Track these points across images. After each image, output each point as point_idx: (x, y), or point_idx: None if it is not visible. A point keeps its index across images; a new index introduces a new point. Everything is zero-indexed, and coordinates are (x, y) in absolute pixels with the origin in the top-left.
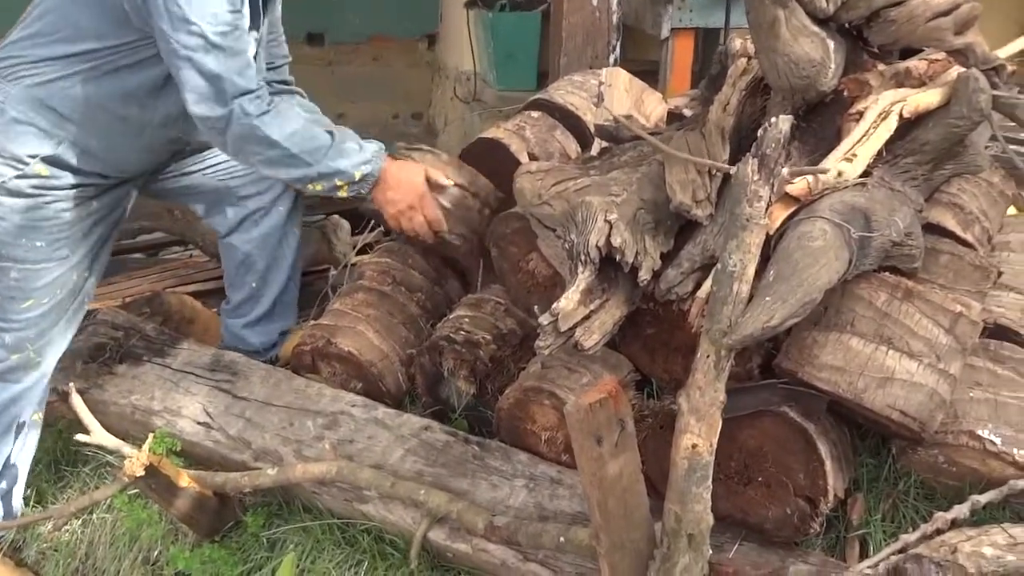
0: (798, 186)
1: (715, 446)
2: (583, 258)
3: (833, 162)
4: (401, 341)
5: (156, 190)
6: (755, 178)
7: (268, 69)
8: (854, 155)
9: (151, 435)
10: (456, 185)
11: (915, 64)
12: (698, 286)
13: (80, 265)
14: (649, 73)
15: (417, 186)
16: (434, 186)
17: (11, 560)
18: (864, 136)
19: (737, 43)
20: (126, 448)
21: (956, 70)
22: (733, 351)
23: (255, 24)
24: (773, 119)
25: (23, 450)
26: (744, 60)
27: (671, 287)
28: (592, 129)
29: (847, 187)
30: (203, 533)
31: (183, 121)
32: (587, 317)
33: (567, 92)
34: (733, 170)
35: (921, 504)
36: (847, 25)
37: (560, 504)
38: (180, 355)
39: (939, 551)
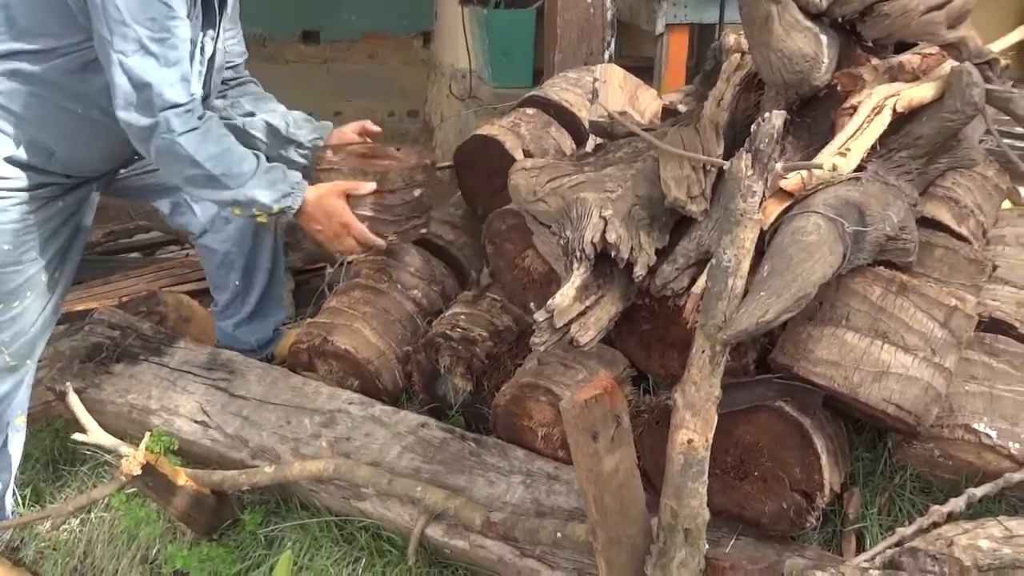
0: (792, 181)
1: (711, 441)
2: (578, 254)
3: (827, 157)
4: (397, 338)
5: (119, 189)
6: (749, 173)
7: (226, 67)
8: (848, 150)
9: (148, 434)
10: (374, 192)
11: (908, 58)
12: (693, 282)
13: (49, 267)
14: (644, 69)
15: (338, 215)
16: (355, 202)
17: (9, 560)
18: (858, 131)
19: (731, 39)
20: (123, 447)
21: (949, 64)
22: (728, 346)
23: (210, 23)
24: (767, 114)
25: (10, 454)
26: (738, 56)
27: (666, 283)
28: (587, 125)
29: (841, 182)
30: (201, 531)
31: None
32: (583, 313)
33: (562, 89)
34: (727, 165)
35: (917, 498)
36: (840, 20)
37: (557, 500)
38: (177, 354)
39: (935, 544)
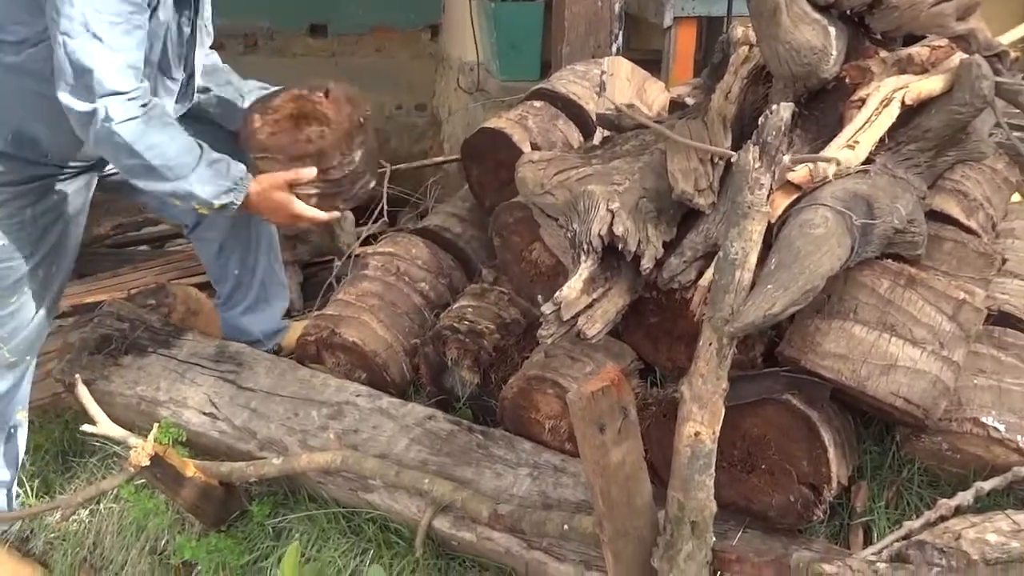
0: (800, 173)
1: (718, 434)
2: (585, 247)
3: (835, 149)
4: (405, 331)
5: (109, 184)
6: (756, 166)
7: None
8: (856, 142)
9: (157, 425)
10: (317, 176)
11: (917, 51)
12: (700, 274)
13: (45, 261)
14: (652, 62)
15: (284, 208)
16: (298, 189)
17: (18, 551)
18: (866, 123)
19: (739, 31)
20: (132, 438)
21: (959, 56)
22: (735, 339)
23: (185, 3)
24: (774, 107)
25: (15, 449)
26: (746, 48)
27: (674, 276)
28: (594, 118)
29: (849, 174)
30: (209, 522)
31: None
32: (590, 306)
33: (569, 81)
34: (735, 157)
35: (925, 491)
36: (849, 12)
37: (564, 492)
38: (185, 346)
39: (943, 538)
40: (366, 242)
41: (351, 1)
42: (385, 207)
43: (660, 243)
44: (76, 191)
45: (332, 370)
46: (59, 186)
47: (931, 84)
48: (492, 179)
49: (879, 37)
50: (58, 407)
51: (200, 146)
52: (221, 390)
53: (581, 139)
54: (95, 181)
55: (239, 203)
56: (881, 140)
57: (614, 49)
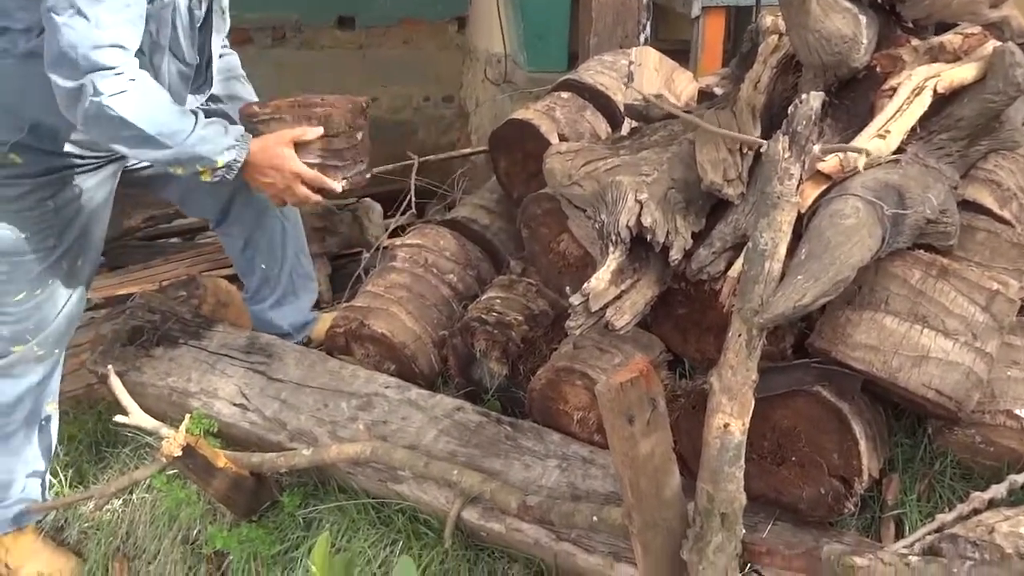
0: (830, 163)
1: (747, 426)
2: (614, 238)
3: (866, 139)
4: (433, 323)
5: (133, 181)
6: (786, 156)
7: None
8: (887, 132)
9: (188, 416)
10: (320, 138)
11: (949, 39)
12: (730, 265)
13: (69, 253)
14: (680, 52)
15: (288, 164)
16: (302, 150)
17: (53, 540)
18: (897, 112)
19: (768, 20)
20: (164, 429)
21: (991, 44)
22: (765, 330)
23: None
24: (804, 96)
25: (49, 439)
26: (775, 37)
27: (702, 267)
28: (622, 109)
29: (880, 164)
30: (240, 513)
31: None
32: (618, 297)
33: (597, 72)
34: (764, 147)
35: (958, 484)
36: (880, 0)
37: (593, 484)
38: (216, 338)
39: (976, 531)
40: (394, 234)
41: None
42: (413, 199)
43: (689, 234)
44: (99, 183)
45: (361, 361)
46: (81, 178)
47: (963, 72)
48: (520, 170)
49: (910, 25)
50: (91, 398)
51: (194, 111)
52: (251, 381)
53: (609, 130)
54: (119, 173)
55: (242, 160)
56: (912, 129)
57: (642, 39)
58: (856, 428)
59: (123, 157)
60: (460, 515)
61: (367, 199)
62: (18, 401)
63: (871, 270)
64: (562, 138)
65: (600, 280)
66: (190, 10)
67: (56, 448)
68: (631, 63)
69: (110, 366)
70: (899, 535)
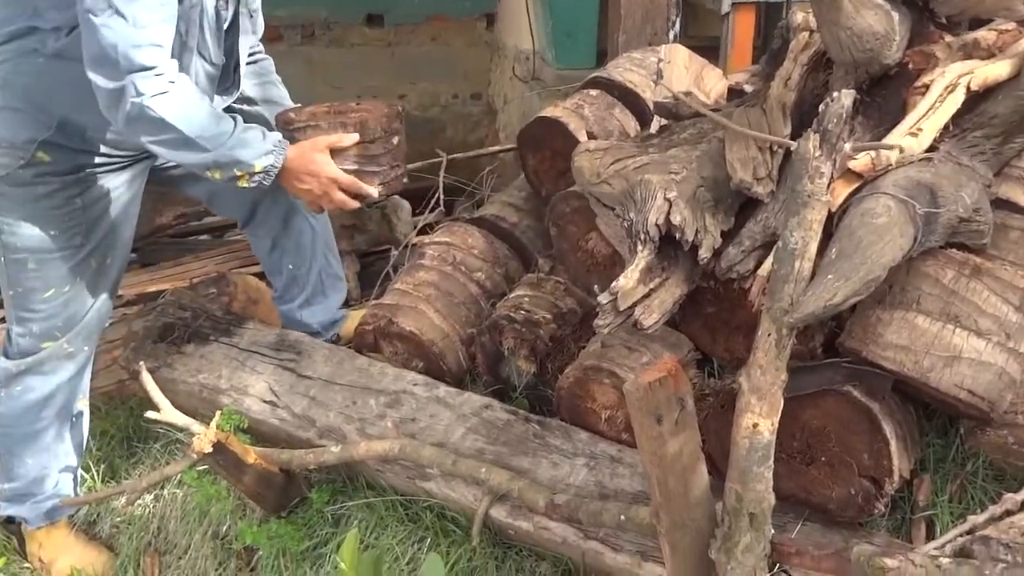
0: (861, 162)
1: (776, 425)
2: (642, 237)
3: (898, 137)
4: (462, 320)
5: (161, 179)
6: (817, 154)
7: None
8: (919, 129)
9: (219, 413)
10: (356, 144)
11: (983, 35)
12: (759, 264)
13: (97, 251)
14: (709, 49)
15: (324, 170)
16: (338, 156)
17: (85, 534)
18: (930, 110)
19: (799, 17)
20: (195, 425)
21: None
22: (795, 330)
23: None
24: (835, 94)
25: (80, 435)
26: (806, 34)
27: (732, 265)
28: (651, 107)
29: (912, 162)
30: (270, 508)
31: None
32: (647, 296)
33: (626, 70)
34: (794, 146)
35: (990, 485)
36: None
37: (620, 483)
38: (246, 335)
39: (1008, 533)
40: (423, 231)
41: None
42: (441, 196)
43: (718, 232)
44: (127, 181)
45: (390, 359)
46: (109, 176)
47: (998, 69)
48: (548, 168)
49: (944, 21)
50: (123, 394)
51: (233, 117)
52: (281, 378)
53: (638, 128)
54: (147, 172)
55: (279, 165)
56: (945, 127)
57: (671, 36)
58: (887, 428)
59: (151, 156)
60: (488, 513)
61: (395, 196)
62: (49, 397)
63: (902, 269)
64: (591, 136)
65: (628, 279)
66: (217, 11)
67: (88, 443)
68: (660, 60)
69: (142, 363)
70: (930, 536)
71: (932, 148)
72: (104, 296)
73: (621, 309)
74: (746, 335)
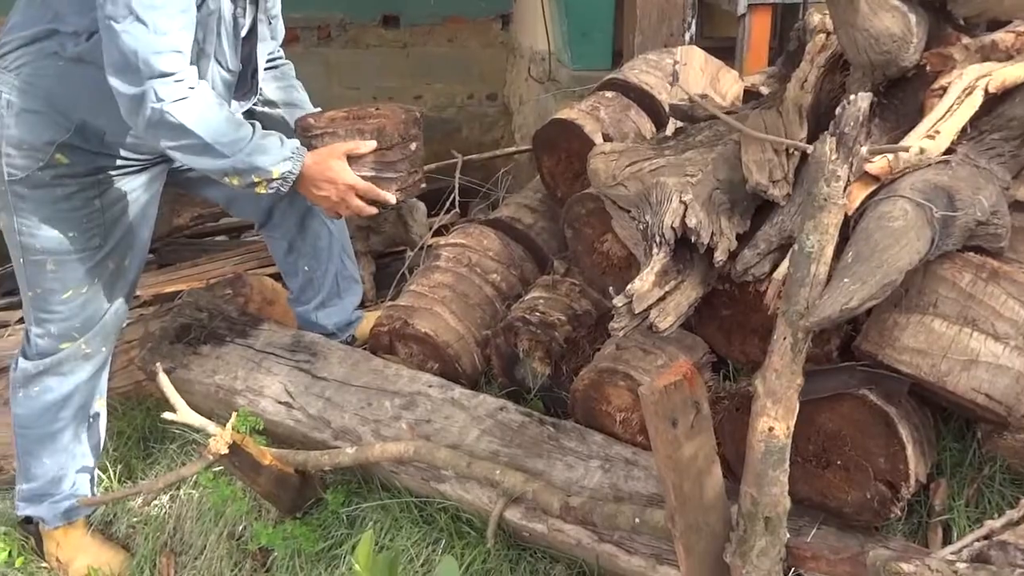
0: (878, 165)
1: (792, 429)
2: (658, 239)
3: (915, 139)
4: (477, 322)
5: (179, 181)
6: (833, 157)
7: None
8: (937, 132)
9: (235, 414)
10: (374, 151)
11: (1001, 37)
12: (775, 267)
13: (115, 253)
14: (725, 50)
15: (342, 177)
16: (355, 163)
17: (101, 534)
18: (948, 112)
19: (815, 18)
20: (211, 426)
21: None
22: (811, 334)
23: None
24: (852, 96)
25: (98, 435)
26: (822, 36)
27: (747, 268)
28: (667, 109)
29: (929, 165)
30: (285, 510)
31: None
32: (662, 298)
33: (642, 71)
34: (811, 149)
35: (1007, 489)
36: None
37: (635, 485)
38: (261, 336)
39: None
40: (438, 233)
41: None
42: (457, 198)
43: (734, 235)
44: (145, 183)
45: (405, 361)
46: (127, 178)
47: (1016, 71)
48: (564, 170)
49: (961, 23)
50: (140, 394)
51: (252, 123)
52: (296, 379)
53: (653, 130)
54: (165, 174)
55: (297, 172)
56: (963, 130)
57: (687, 37)
58: (903, 432)
59: (169, 159)
60: (503, 515)
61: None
62: (67, 398)
63: (919, 273)
64: (606, 138)
65: (644, 281)
66: (234, 18)
67: (105, 444)
68: (676, 62)
69: (159, 363)
70: (947, 541)
71: (950, 151)
72: (122, 297)
73: (636, 312)
74: (762, 338)
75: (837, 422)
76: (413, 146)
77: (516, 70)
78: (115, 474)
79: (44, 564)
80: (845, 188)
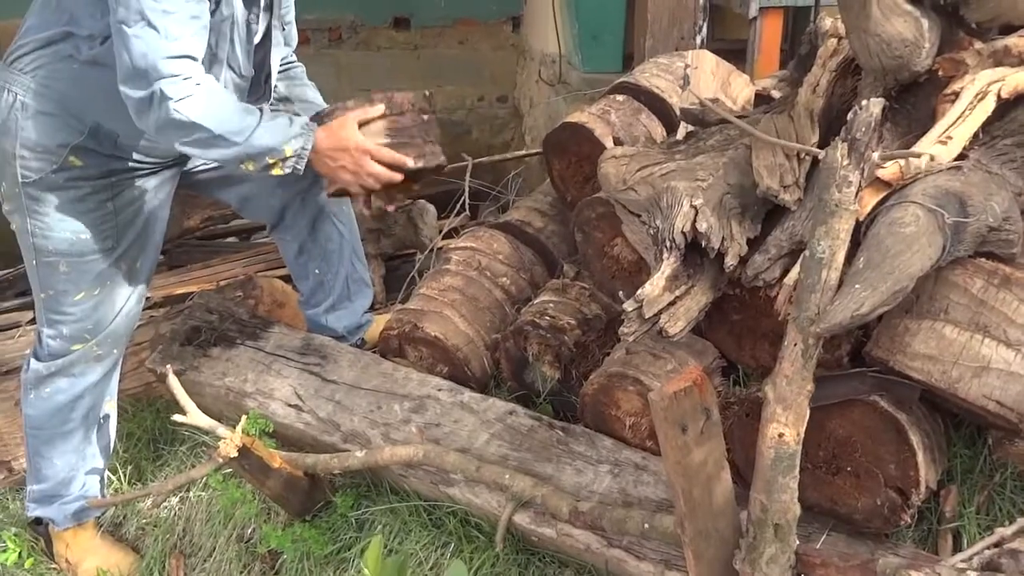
0: (889, 170)
1: (802, 436)
2: (668, 244)
3: (927, 145)
4: (486, 326)
5: (192, 183)
6: (845, 163)
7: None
8: (949, 137)
9: (245, 417)
10: (385, 117)
11: (1015, 41)
12: (785, 272)
13: (127, 255)
14: (736, 52)
15: (355, 143)
16: (368, 132)
17: (111, 535)
18: (960, 118)
19: (827, 22)
20: (221, 429)
21: None
22: (821, 340)
23: (255, 1)
24: (864, 102)
25: (107, 437)
26: (834, 41)
27: (758, 273)
28: (678, 112)
29: (941, 171)
30: (294, 512)
31: None
32: (672, 303)
33: (653, 75)
34: (822, 154)
35: (1018, 497)
36: (942, 2)
37: (645, 490)
38: (272, 338)
39: None
40: (448, 235)
41: None
42: (467, 200)
43: (744, 240)
44: (158, 186)
45: (414, 364)
46: (140, 181)
47: None
48: (574, 173)
49: (974, 28)
50: (150, 396)
51: (259, 108)
52: (306, 382)
53: (664, 134)
54: (178, 177)
55: (310, 147)
56: (975, 135)
57: (698, 41)
58: (914, 439)
59: (183, 161)
60: (511, 519)
61: (421, 200)
62: (78, 399)
63: (930, 279)
64: (617, 142)
65: (654, 286)
66: (248, 24)
67: (115, 445)
68: (687, 66)
69: (169, 365)
70: (957, 548)
71: (962, 156)
72: (134, 299)
73: (646, 317)
74: (772, 343)
75: (847, 428)
76: (426, 117)
77: (526, 72)
78: (125, 476)
79: (54, 565)
80: (856, 194)
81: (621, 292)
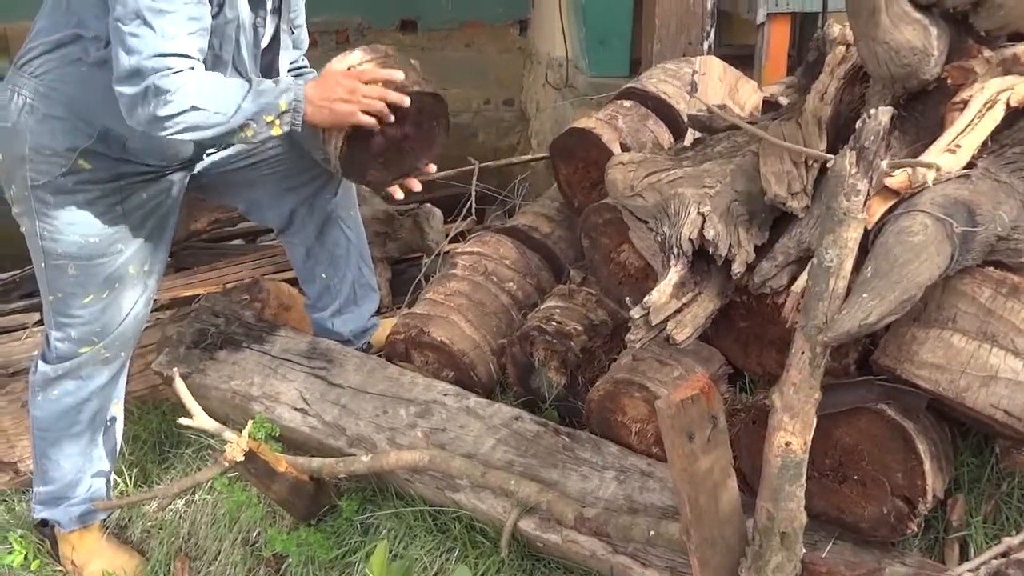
0: (898, 179)
1: (809, 444)
2: (675, 251)
3: (935, 153)
4: (492, 331)
5: (200, 186)
6: (853, 171)
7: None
8: (957, 146)
9: (251, 421)
10: (372, 62)
11: None
12: (793, 279)
13: (136, 258)
14: (744, 58)
15: (340, 76)
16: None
17: (117, 537)
18: (968, 126)
19: (835, 29)
20: (227, 432)
21: None
22: (829, 348)
23: (261, 4)
24: (873, 110)
25: (114, 440)
26: (843, 48)
27: (765, 280)
28: (685, 119)
29: (950, 179)
30: (299, 516)
31: None
32: (679, 310)
33: (660, 80)
34: (830, 159)
35: None
36: (952, 10)
37: (650, 497)
38: (278, 342)
39: None
40: (454, 239)
41: None
42: (473, 204)
43: (752, 247)
44: (167, 189)
45: (420, 369)
46: (149, 184)
47: None
48: (581, 179)
49: (983, 36)
50: (156, 398)
51: (249, 79)
52: (312, 386)
53: (672, 140)
54: (187, 180)
55: (302, 98)
56: (984, 144)
57: (706, 46)
58: (921, 447)
59: (191, 164)
60: (517, 525)
61: (427, 204)
62: (85, 402)
63: (938, 287)
64: (624, 148)
65: (661, 293)
66: (255, 27)
67: (121, 448)
68: (695, 72)
69: (175, 368)
70: (963, 557)
71: (970, 165)
72: (142, 303)
73: (653, 324)
74: (779, 350)
75: (854, 437)
76: (414, 62)
77: (533, 76)
78: (131, 478)
79: (59, 567)
80: (865, 202)
81: (628, 298)
